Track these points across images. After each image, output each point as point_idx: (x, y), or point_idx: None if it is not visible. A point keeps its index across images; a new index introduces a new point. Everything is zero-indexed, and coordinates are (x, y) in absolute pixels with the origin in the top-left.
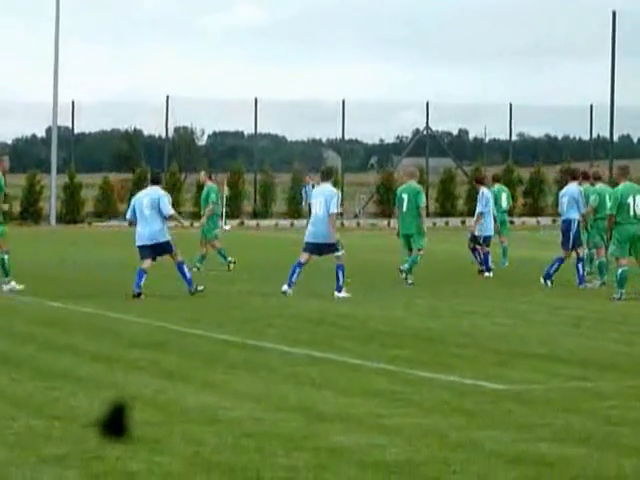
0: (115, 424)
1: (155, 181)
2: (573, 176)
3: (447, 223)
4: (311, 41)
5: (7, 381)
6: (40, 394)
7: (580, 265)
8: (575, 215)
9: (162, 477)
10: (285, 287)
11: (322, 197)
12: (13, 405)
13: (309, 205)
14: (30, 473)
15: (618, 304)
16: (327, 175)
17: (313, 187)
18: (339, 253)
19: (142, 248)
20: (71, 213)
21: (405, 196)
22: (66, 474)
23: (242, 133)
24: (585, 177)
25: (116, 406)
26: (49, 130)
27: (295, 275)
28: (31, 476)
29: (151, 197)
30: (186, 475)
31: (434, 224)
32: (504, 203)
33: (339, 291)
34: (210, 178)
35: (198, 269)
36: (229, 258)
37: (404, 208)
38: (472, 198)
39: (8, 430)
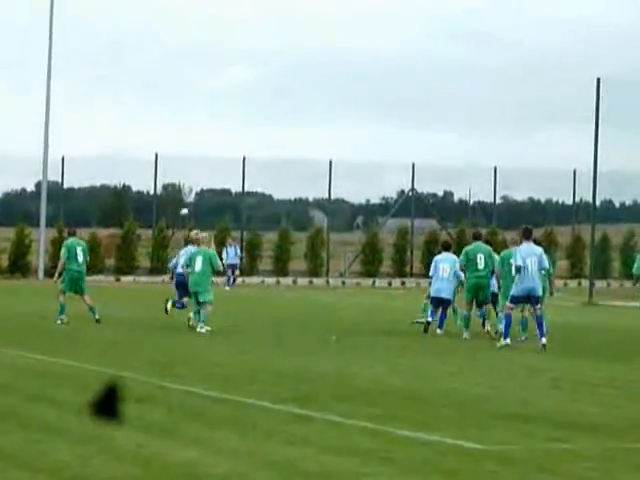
0: (107, 406)
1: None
2: None
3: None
4: (299, 102)
5: None
6: (27, 446)
7: None
8: None
9: None
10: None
11: (535, 256)
12: (0, 457)
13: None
14: None
15: (595, 366)
16: (528, 234)
17: (235, 248)
18: (542, 306)
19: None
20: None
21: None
22: None
23: (229, 191)
24: None
25: (108, 388)
26: (39, 184)
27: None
28: None
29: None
30: None
31: (418, 284)
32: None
33: (542, 337)
34: (71, 234)
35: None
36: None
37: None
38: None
39: None
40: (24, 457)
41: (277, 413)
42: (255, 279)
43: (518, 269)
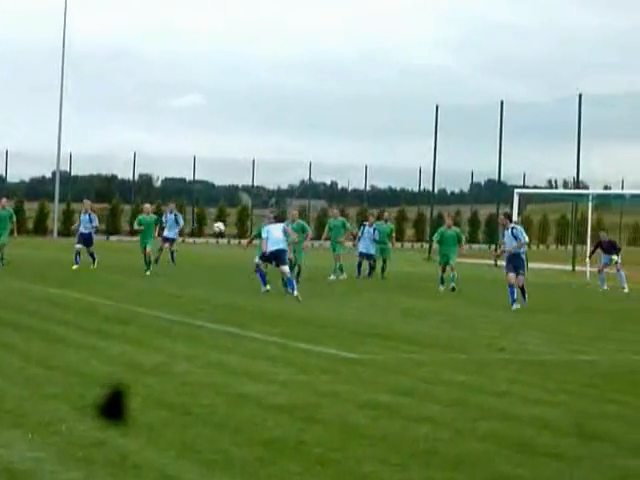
0: (112, 409)
1: (278, 219)
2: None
3: (320, 245)
4: (232, 118)
5: (20, 341)
6: (43, 351)
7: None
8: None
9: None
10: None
11: None
12: (24, 358)
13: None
14: (34, 406)
15: (431, 302)
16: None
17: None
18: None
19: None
20: (67, 229)
21: (450, 233)
22: (61, 407)
23: (185, 179)
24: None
25: (113, 394)
26: (54, 173)
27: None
28: (36, 408)
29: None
30: (141, 410)
31: (313, 244)
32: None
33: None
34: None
35: None
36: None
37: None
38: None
39: (20, 375)
40: (41, 359)
41: (216, 331)
42: (202, 240)
43: None
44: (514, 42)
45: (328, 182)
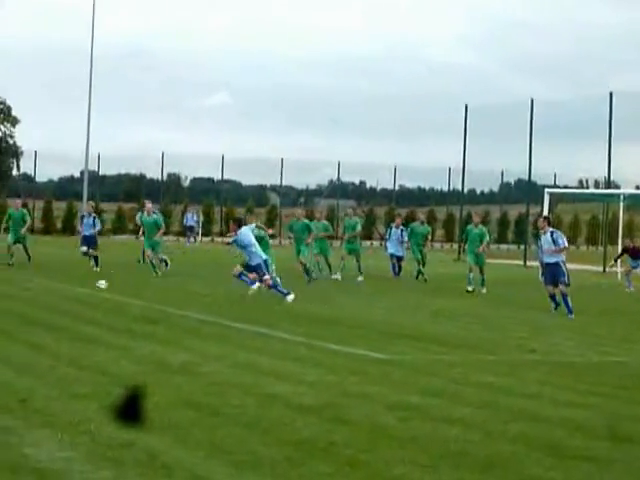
0: (130, 410)
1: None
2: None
3: None
4: (261, 117)
5: (50, 341)
6: (73, 351)
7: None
8: None
9: (152, 410)
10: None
11: None
12: (54, 358)
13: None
14: (64, 405)
15: (460, 302)
16: None
17: (192, 214)
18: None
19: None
20: None
21: (477, 232)
22: (90, 407)
23: (213, 179)
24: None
25: (131, 394)
26: (82, 172)
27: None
28: (65, 408)
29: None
30: (169, 409)
31: (340, 244)
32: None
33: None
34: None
35: None
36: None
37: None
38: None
39: (50, 375)
40: (71, 358)
41: (244, 331)
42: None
43: None
44: (537, 39)
45: (357, 182)
